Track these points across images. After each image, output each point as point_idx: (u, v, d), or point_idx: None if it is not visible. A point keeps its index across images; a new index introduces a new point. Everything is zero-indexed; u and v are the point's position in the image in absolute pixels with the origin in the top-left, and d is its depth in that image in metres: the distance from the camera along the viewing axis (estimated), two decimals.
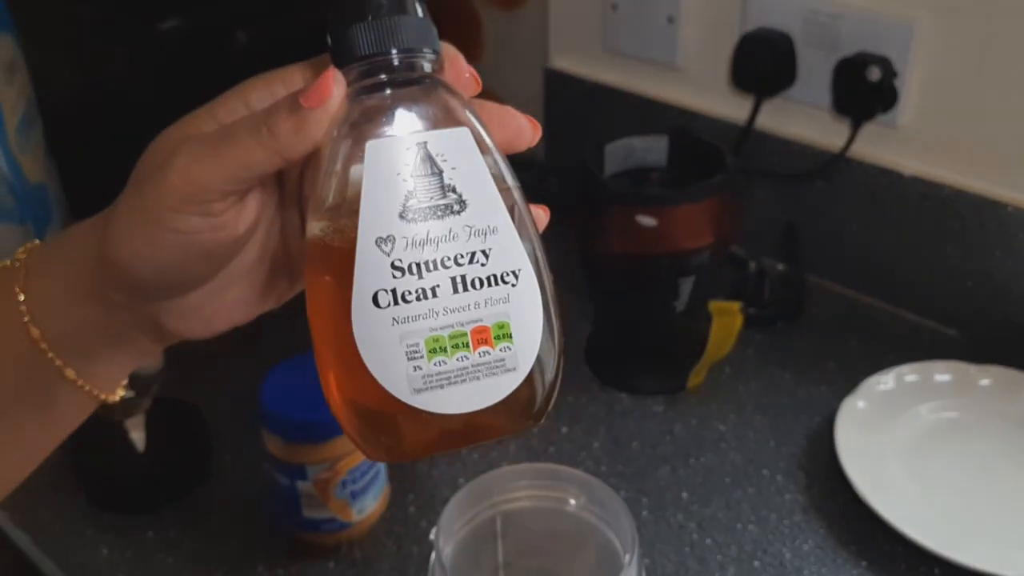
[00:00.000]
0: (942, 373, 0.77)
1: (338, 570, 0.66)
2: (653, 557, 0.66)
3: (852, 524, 0.68)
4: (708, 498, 0.71)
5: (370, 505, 0.67)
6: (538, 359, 0.33)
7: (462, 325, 0.32)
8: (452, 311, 0.32)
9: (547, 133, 0.40)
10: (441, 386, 0.32)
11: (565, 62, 1.05)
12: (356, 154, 0.32)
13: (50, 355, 0.38)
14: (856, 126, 0.84)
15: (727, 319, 0.79)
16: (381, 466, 0.67)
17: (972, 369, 0.77)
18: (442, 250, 0.32)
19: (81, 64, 0.98)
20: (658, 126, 0.81)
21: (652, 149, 0.80)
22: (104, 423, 0.72)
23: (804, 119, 0.89)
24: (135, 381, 0.79)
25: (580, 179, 0.77)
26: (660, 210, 0.71)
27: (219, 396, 0.81)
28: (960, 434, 0.74)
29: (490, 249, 0.33)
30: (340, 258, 0.32)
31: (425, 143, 0.32)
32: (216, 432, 0.76)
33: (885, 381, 0.76)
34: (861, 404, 0.74)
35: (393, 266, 0.32)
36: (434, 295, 0.32)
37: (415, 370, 0.32)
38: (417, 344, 0.32)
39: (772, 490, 0.71)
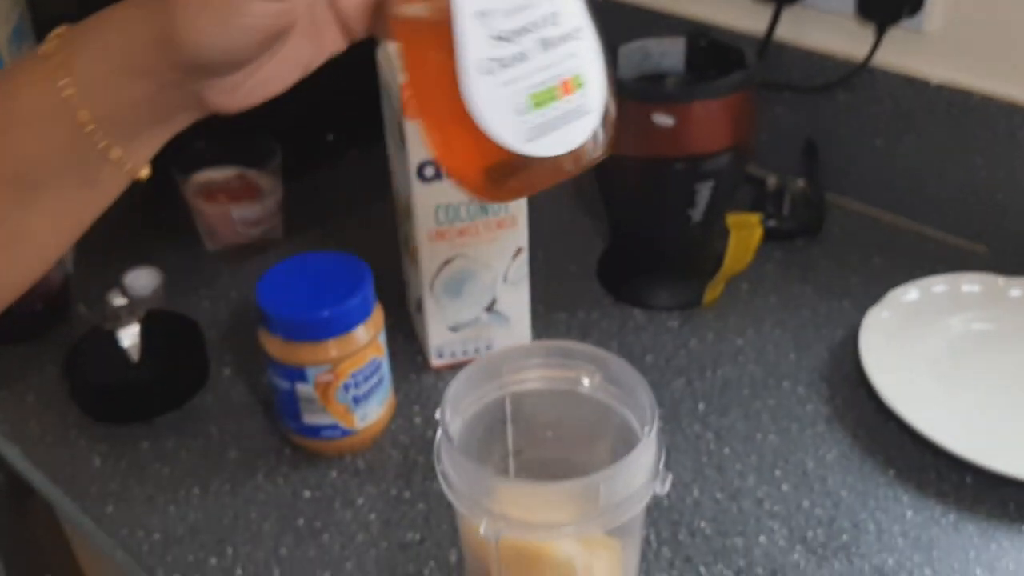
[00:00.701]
0: (971, 284, 0.73)
1: (341, 479, 0.63)
2: (669, 467, 0.63)
3: (878, 434, 0.65)
4: (726, 409, 0.68)
5: (373, 412, 0.64)
6: (604, 102, 0.40)
7: (552, 80, 0.38)
8: (543, 69, 0.38)
9: None
10: (545, 133, 0.38)
11: None
12: None
13: (97, 136, 0.39)
14: (880, 32, 0.80)
15: (745, 232, 0.76)
16: (385, 372, 0.64)
17: (1002, 281, 0.74)
18: (525, 17, 0.37)
19: None
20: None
21: (668, 53, 0.76)
22: (97, 333, 0.70)
23: (825, 27, 0.85)
24: (128, 291, 0.76)
25: None
26: (677, 108, 0.68)
27: (217, 310, 0.79)
28: (991, 345, 0.70)
29: (558, 12, 0.38)
30: (440, 34, 0.36)
31: None
32: (214, 346, 0.74)
33: (911, 292, 0.73)
34: (886, 315, 0.71)
35: (492, 37, 0.37)
36: (527, 57, 0.37)
37: (524, 123, 0.38)
38: (522, 101, 0.38)
39: (793, 401, 0.68)
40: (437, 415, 0.42)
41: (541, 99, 0.38)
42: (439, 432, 0.42)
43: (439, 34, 0.37)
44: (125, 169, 0.41)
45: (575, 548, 0.42)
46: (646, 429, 0.41)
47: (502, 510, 0.39)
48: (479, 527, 0.39)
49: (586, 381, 0.45)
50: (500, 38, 0.37)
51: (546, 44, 0.38)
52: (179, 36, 0.37)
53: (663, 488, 0.40)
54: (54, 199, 0.41)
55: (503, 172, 0.39)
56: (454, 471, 0.40)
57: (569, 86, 0.39)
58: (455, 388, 0.43)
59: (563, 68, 0.38)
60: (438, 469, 0.41)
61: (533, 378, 0.46)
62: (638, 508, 0.40)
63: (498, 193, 0.41)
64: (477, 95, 0.37)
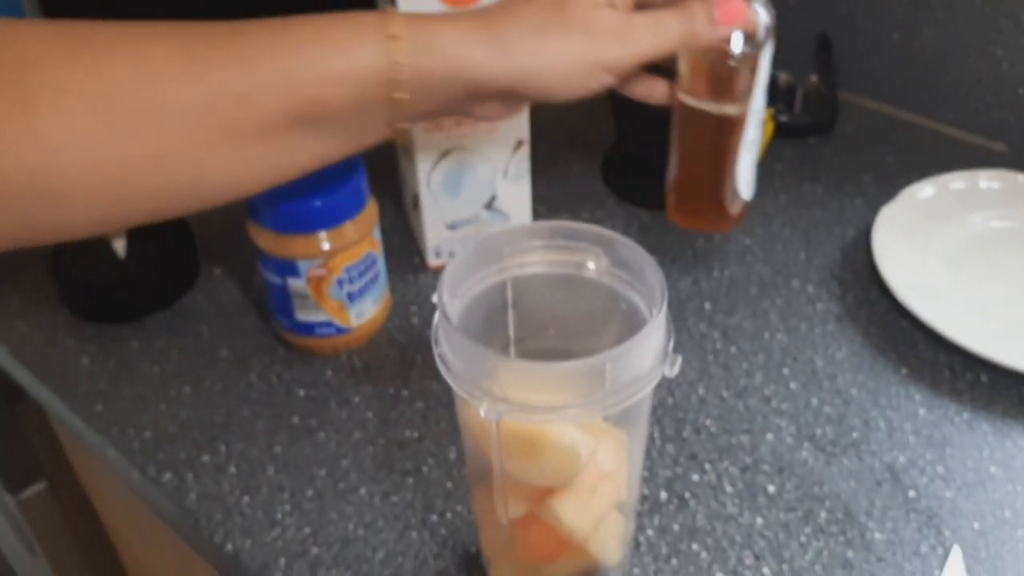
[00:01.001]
0: (990, 181, 0.71)
1: (336, 378, 0.62)
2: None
3: (891, 332, 0.63)
4: (733, 308, 0.66)
5: (369, 310, 0.62)
6: None
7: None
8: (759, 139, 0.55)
9: None
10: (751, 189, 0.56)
11: None
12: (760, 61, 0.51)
13: (396, 111, 0.47)
14: None
15: None
16: (380, 269, 0.62)
17: (1021, 177, 0.71)
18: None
19: None
20: None
21: None
22: None
23: None
24: None
25: None
26: None
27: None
28: (1009, 243, 0.68)
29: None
30: (739, 125, 0.52)
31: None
32: (204, 244, 0.71)
33: (927, 189, 0.70)
34: (901, 211, 0.68)
35: (755, 125, 0.53)
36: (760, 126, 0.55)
37: (749, 183, 0.55)
38: (753, 164, 0.55)
39: (803, 300, 0.66)
40: (434, 299, 0.40)
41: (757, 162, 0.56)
42: (437, 314, 0.40)
43: (724, 123, 0.51)
44: (388, 136, 0.49)
45: (579, 435, 0.40)
46: (655, 310, 0.38)
47: (503, 392, 0.37)
48: (479, 410, 0.37)
49: (591, 264, 0.43)
50: (758, 121, 0.53)
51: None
52: (524, 93, 0.48)
53: (672, 371, 0.38)
54: (317, 143, 0.47)
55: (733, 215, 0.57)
56: (453, 353, 0.38)
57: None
58: (453, 269, 0.40)
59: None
60: (436, 352, 0.39)
61: (535, 261, 0.43)
62: (645, 391, 0.38)
63: (727, 224, 0.58)
64: (741, 164, 0.53)
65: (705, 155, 0.53)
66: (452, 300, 0.40)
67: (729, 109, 0.51)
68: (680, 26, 0.50)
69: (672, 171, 0.56)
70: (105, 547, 0.89)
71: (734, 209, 0.56)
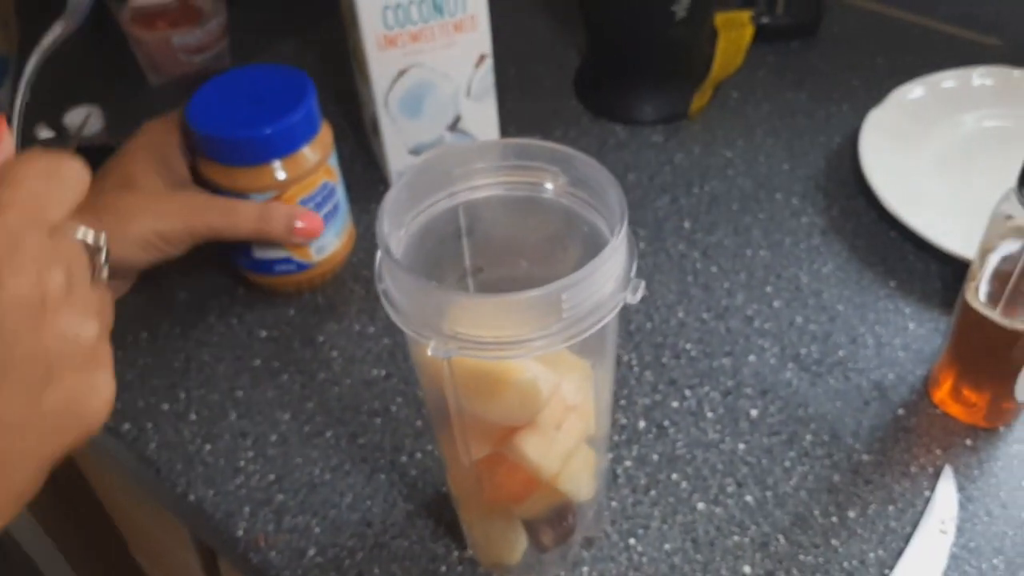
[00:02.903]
0: (983, 78, 0.67)
1: (300, 317, 0.59)
2: (652, 288, 0.59)
3: (878, 244, 0.60)
4: (713, 226, 0.63)
5: (331, 244, 0.59)
6: None
7: None
8: None
9: None
10: None
11: None
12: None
13: None
14: None
15: (735, 32, 0.69)
16: (340, 200, 0.58)
17: (1016, 73, 0.67)
18: None
19: None
20: None
21: None
22: None
23: None
24: (60, 128, 0.70)
25: None
26: None
27: None
28: (1004, 143, 0.64)
29: None
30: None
31: None
32: None
33: (917, 90, 0.66)
34: (890, 115, 0.65)
35: None
36: None
37: None
38: None
39: (786, 214, 0.63)
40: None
41: None
42: (378, 255, 0.36)
43: (1015, 336, 0.45)
44: None
45: (539, 369, 0.37)
46: (616, 230, 0.35)
47: (453, 328, 0.34)
48: (428, 349, 0.34)
49: (549, 185, 0.40)
50: None
51: None
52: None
53: (634, 297, 0.35)
54: None
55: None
56: (397, 289, 0.35)
57: None
58: (394, 196, 0.37)
59: None
60: (379, 288, 0.36)
61: (488, 183, 0.40)
62: (605, 320, 0.35)
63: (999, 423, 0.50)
64: None
65: (987, 362, 0.48)
66: (395, 230, 0.37)
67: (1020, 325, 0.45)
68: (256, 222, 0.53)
69: (945, 360, 0.50)
70: (88, 498, 0.88)
71: (1008, 409, 0.50)
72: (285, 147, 0.54)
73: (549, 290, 0.33)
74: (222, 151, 0.53)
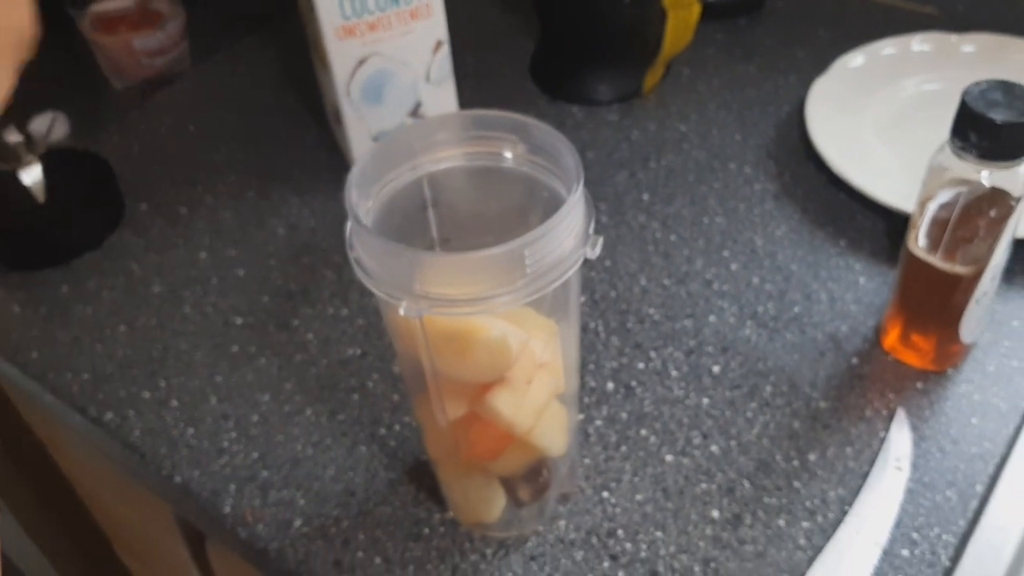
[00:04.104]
0: (921, 44, 0.70)
1: (273, 304, 0.60)
2: (615, 259, 0.61)
3: (828, 206, 0.63)
4: (671, 197, 0.65)
5: None
6: None
7: None
8: None
9: None
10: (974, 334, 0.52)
11: None
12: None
13: None
14: None
15: (683, 11, 0.71)
16: None
17: (953, 38, 0.70)
18: None
19: None
20: None
21: None
22: None
23: None
24: (27, 136, 0.71)
25: None
26: None
27: (129, 146, 0.74)
28: (944, 105, 0.67)
29: None
30: (973, 283, 0.48)
31: None
32: (129, 182, 0.69)
33: (858, 58, 0.69)
34: (834, 84, 0.68)
35: (990, 279, 0.49)
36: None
37: (972, 331, 0.51)
38: None
39: (740, 182, 0.65)
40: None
41: None
42: (348, 226, 0.38)
43: (957, 280, 0.48)
44: None
45: (508, 327, 0.39)
46: (573, 187, 0.37)
47: (423, 288, 0.36)
48: (400, 310, 0.36)
49: (508, 154, 0.42)
50: (993, 276, 0.49)
51: None
52: None
53: (593, 252, 0.37)
54: None
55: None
56: (367, 254, 0.37)
57: None
58: (360, 168, 0.39)
59: None
60: (351, 257, 0.38)
61: (451, 155, 0.42)
62: (567, 274, 0.37)
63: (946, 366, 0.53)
64: (970, 316, 0.49)
65: (931, 306, 0.50)
66: (362, 201, 0.39)
67: (962, 269, 0.47)
68: None
69: (893, 308, 0.52)
70: (70, 498, 0.88)
71: (955, 351, 0.52)
72: None
73: (512, 246, 0.35)
74: None
